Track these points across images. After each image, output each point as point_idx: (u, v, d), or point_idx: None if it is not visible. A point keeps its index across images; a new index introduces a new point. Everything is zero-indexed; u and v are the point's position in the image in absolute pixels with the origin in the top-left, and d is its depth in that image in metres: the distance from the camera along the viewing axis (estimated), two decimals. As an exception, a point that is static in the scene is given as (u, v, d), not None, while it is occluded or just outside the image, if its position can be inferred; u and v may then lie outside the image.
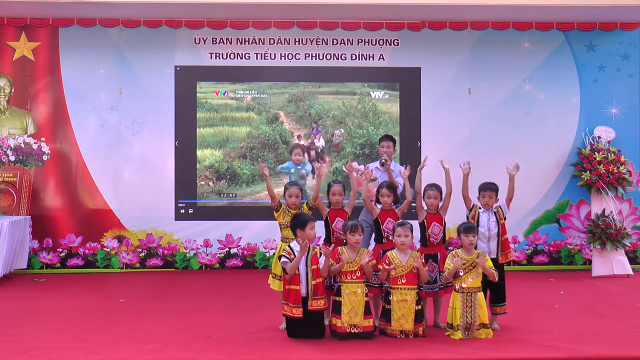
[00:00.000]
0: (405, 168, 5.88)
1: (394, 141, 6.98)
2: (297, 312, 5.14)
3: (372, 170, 6.20)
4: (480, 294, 5.24)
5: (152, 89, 8.44)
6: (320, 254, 5.27)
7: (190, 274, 8.28)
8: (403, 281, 5.21)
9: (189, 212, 8.46)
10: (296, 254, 5.19)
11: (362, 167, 6.39)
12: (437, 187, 5.60)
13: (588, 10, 8.01)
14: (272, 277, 5.63)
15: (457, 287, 5.24)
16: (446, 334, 5.27)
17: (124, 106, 8.43)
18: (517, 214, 8.17)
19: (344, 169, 6.37)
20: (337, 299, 5.22)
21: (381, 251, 5.52)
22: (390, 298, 5.21)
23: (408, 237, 5.26)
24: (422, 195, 5.67)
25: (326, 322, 5.31)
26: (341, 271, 5.22)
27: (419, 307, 5.22)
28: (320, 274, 5.22)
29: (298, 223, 5.33)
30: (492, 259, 5.41)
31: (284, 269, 5.25)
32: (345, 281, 5.20)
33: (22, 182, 8.28)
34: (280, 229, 5.66)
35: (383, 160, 6.73)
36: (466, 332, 5.16)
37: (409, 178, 5.79)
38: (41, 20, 8.33)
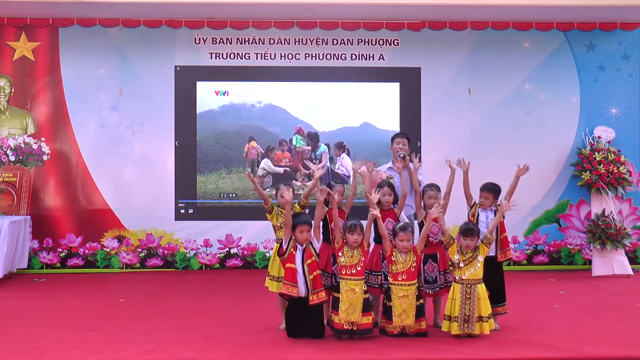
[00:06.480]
0: (416, 157, 5.89)
1: (409, 139, 6.33)
2: (295, 291, 5.15)
3: (384, 172, 6.11)
4: (481, 286, 5.21)
5: (152, 89, 8.44)
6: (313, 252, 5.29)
7: (190, 274, 8.28)
8: (404, 277, 5.21)
9: (189, 212, 8.46)
10: (293, 251, 5.19)
11: (382, 173, 6.19)
12: (436, 187, 5.61)
13: (588, 10, 8.01)
14: (270, 279, 5.61)
15: (457, 278, 5.24)
16: (443, 328, 5.24)
17: (124, 106, 8.42)
18: (517, 214, 8.15)
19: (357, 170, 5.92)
20: (336, 295, 5.24)
21: (381, 251, 5.52)
22: (391, 294, 5.22)
23: (410, 242, 5.27)
24: (421, 195, 5.68)
25: (326, 322, 5.31)
26: (340, 266, 5.23)
27: (420, 302, 5.22)
28: (316, 267, 5.23)
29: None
30: (491, 257, 5.43)
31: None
32: (344, 277, 5.21)
33: (22, 182, 8.27)
34: (275, 230, 5.63)
35: (402, 155, 6.02)
36: (464, 325, 5.13)
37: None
38: (41, 20, 8.32)
